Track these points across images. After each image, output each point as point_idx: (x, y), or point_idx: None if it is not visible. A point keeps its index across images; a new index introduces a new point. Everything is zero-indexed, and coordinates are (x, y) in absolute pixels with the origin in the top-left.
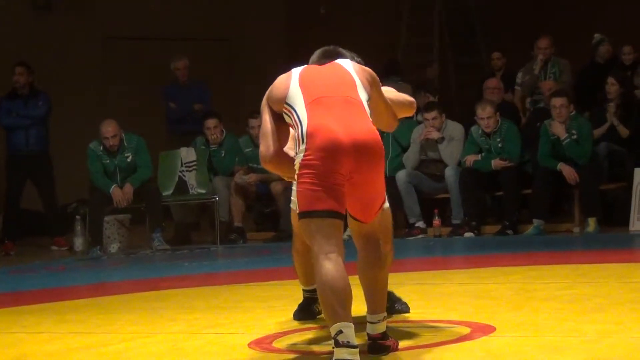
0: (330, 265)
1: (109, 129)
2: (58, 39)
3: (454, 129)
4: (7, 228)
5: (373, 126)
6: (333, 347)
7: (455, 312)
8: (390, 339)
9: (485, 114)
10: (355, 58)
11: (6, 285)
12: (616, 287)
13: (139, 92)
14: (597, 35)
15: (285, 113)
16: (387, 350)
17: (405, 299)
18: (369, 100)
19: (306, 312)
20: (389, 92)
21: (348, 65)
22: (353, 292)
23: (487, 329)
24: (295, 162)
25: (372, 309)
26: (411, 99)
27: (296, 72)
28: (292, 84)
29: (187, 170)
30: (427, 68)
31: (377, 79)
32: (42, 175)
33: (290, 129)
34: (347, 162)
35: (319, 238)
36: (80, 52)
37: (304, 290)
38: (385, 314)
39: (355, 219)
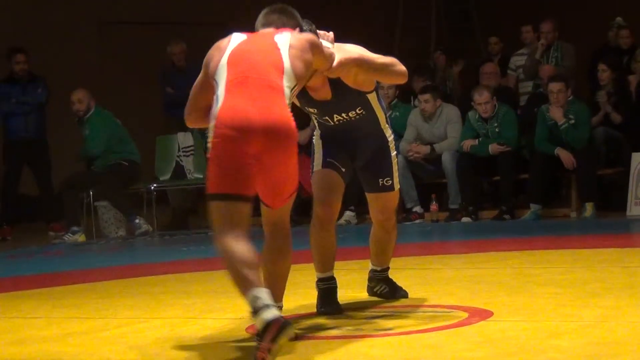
0: (235, 242)
1: (77, 95)
2: (55, 24)
3: (450, 112)
4: (4, 213)
5: (289, 113)
6: (253, 317)
7: (452, 297)
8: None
9: (482, 99)
10: (305, 26)
11: (3, 270)
12: (614, 272)
13: (136, 77)
14: (618, 19)
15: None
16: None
17: (403, 283)
18: (306, 70)
19: (328, 303)
20: (363, 51)
21: (284, 41)
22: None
23: (484, 314)
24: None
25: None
26: (390, 59)
27: (232, 44)
28: (222, 59)
29: (184, 155)
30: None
31: (317, 42)
32: (40, 161)
33: None
34: (256, 142)
35: (224, 224)
36: (76, 37)
37: (318, 279)
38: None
39: (265, 204)
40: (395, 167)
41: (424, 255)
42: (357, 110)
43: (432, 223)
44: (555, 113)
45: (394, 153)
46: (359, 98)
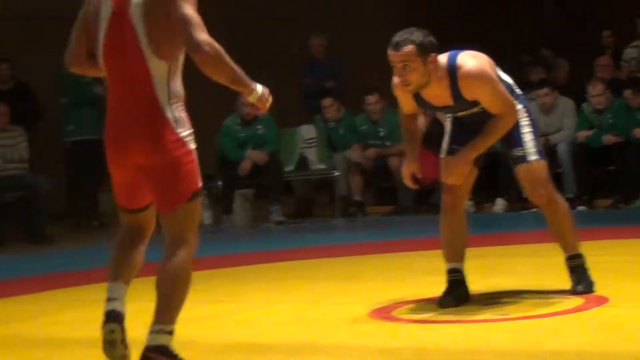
0: None
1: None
2: None
3: (566, 104)
4: None
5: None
6: None
7: (568, 284)
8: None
9: (596, 91)
10: None
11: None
12: None
13: (265, 71)
14: None
15: None
16: None
17: (520, 270)
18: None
19: (445, 295)
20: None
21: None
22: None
23: (600, 300)
24: None
25: (156, 317)
26: (497, 123)
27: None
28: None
29: (307, 147)
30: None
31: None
32: None
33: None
34: (121, 157)
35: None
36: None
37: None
38: (168, 327)
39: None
40: (528, 138)
41: (541, 242)
42: (480, 107)
43: None
44: None
45: (524, 122)
46: None
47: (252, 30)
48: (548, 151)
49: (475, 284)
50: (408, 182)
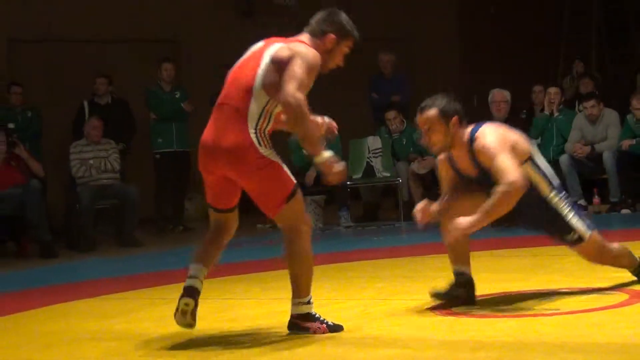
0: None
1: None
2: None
3: (610, 115)
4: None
5: (245, 135)
6: None
7: (614, 281)
8: (312, 323)
9: (639, 104)
10: (321, 26)
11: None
12: None
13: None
14: None
15: None
16: (306, 331)
17: (570, 268)
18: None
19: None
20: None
21: (268, 54)
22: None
23: None
24: None
25: (294, 294)
26: (498, 197)
27: (241, 58)
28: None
29: (373, 156)
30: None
31: (297, 53)
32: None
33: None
34: (216, 163)
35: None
36: None
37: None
38: (305, 299)
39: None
40: (574, 220)
41: None
42: None
43: (594, 215)
44: None
45: (565, 210)
46: None
47: None
48: (594, 159)
49: (529, 280)
50: (417, 215)
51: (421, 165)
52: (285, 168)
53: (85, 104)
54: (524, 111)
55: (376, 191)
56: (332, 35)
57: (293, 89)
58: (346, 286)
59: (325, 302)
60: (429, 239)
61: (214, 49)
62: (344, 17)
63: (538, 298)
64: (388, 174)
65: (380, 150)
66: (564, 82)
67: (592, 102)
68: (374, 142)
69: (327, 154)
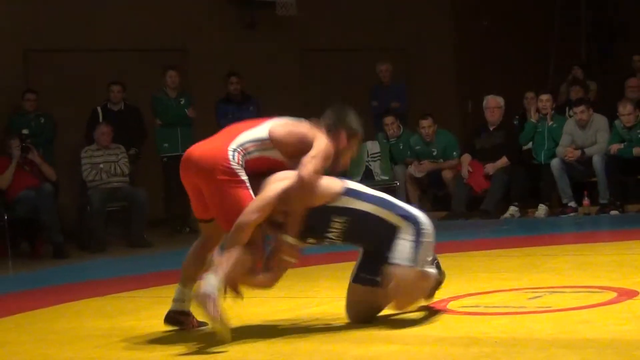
0: None
1: None
2: (262, 52)
3: (600, 120)
4: None
5: (224, 154)
6: None
7: (602, 279)
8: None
9: (626, 110)
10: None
11: None
12: None
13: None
14: None
15: None
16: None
17: (561, 267)
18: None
19: None
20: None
21: (267, 123)
22: None
23: (631, 293)
24: None
25: None
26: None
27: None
28: None
29: (372, 160)
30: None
31: (319, 137)
32: None
33: None
34: (192, 173)
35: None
36: (280, 62)
37: None
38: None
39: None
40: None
41: (578, 243)
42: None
43: (584, 216)
44: None
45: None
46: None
47: (330, 59)
48: (584, 162)
49: (522, 280)
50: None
51: (418, 169)
52: (250, 190)
53: (99, 110)
54: (517, 117)
55: None
56: (343, 134)
57: (313, 169)
58: (345, 285)
59: (325, 300)
60: None
61: (220, 59)
62: (351, 115)
63: (530, 296)
64: (386, 177)
65: (378, 154)
66: (561, 87)
67: (581, 108)
68: (372, 146)
69: (293, 240)
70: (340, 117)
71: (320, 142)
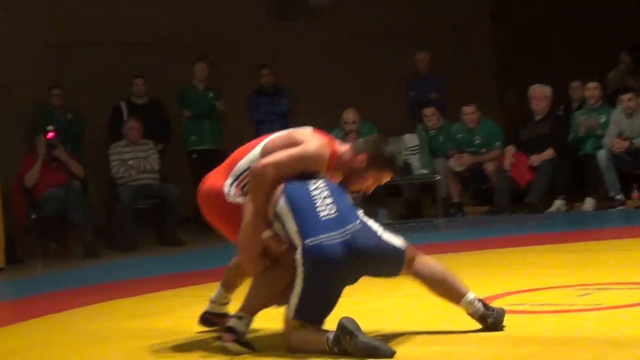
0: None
1: (349, 115)
2: (295, 44)
3: None
4: None
5: (218, 185)
6: None
7: None
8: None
9: None
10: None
11: None
12: None
13: (378, 85)
14: None
15: None
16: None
17: (610, 263)
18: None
19: None
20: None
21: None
22: None
23: None
24: None
25: None
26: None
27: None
28: None
29: (410, 154)
30: None
31: (305, 142)
32: None
33: None
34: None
35: None
36: (316, 53)
37: None
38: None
39: None
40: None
41: (627, 238)
42: None
43: (633, 209)
44: None
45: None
46: None
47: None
48: (632, 153)
49: (570, 276)
50: None
51: (458, 162)
52: None
53: (123, 104)
54: (561, 107)
55: (415, 188)
56: (364, 156)
57: (268, 161)
58: (385, 283)
59: (368, 298)
60: (467, 235)
61: (249, 50)
62: (389, 148)
63: (579, 293)
64: (425, 171)
65: (417, 147)
66: (608, 75)
67: (629, 95)
68: (410, 139)
69: (268, 233)
70: (371, 142)
71: (306, 145)
